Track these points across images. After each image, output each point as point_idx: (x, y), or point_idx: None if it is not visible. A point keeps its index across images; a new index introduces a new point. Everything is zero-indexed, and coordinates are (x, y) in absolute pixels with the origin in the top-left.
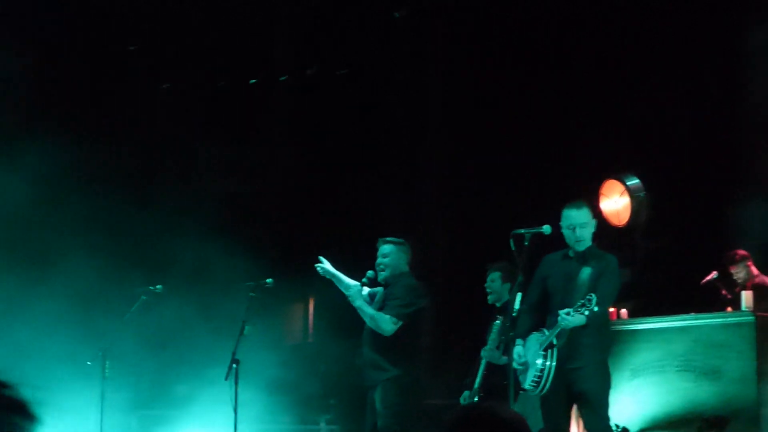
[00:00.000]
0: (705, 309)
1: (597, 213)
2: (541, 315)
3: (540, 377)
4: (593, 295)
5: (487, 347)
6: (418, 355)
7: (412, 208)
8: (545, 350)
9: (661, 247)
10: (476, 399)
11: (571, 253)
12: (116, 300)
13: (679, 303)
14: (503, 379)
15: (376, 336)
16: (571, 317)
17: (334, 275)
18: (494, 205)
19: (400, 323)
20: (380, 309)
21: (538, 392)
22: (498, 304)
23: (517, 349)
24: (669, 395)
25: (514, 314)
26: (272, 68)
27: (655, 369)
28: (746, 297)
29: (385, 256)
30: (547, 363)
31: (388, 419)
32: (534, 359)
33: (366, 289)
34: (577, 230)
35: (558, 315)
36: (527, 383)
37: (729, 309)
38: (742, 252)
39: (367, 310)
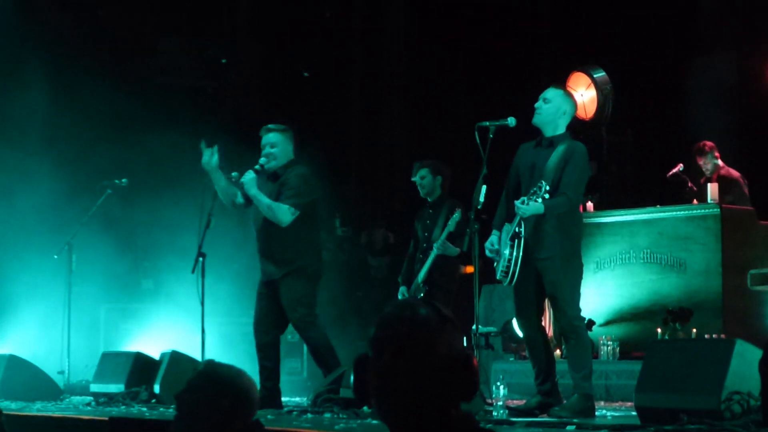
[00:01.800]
0: (670, 201)
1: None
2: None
3: (508, 267)
4: (543, 182)
5: (440, 240)
6: (318, 246)
7: (374, 101)
8: (512, 240)
9: (627, 140)
10: (422, 294)
11: (542, 141)
12: (82, 193)
13: (644, 196)
14: (447, 271)
15: (274, 230)
16: (525, 206)
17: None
18: (459, 97)
19: (298, 213)
20: (276, 199)
21: (508, 282)
22: (430, 199)
23: (491, 239)
24: (634, 287)
25: (478, 207)
26: None
27: (620, 261)
28: (711, 189)
29: (273, 145)
30: (514, 253)
31: (300, 309)
32: (504, 249)
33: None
34: (539, 101)
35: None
36: (498, 273)
37: (695, 201)
38: (710, 143)
39: (264, 200)
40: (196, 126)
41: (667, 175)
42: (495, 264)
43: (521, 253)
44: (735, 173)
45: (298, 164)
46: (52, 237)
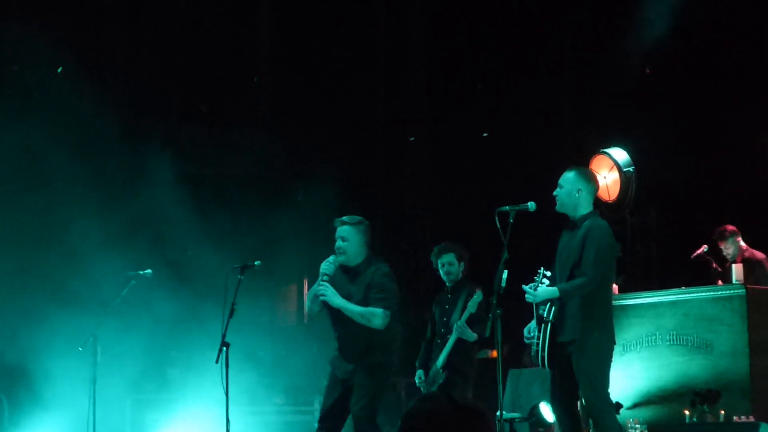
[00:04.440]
0: (695, 283)
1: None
2: None
3: (537, 352)
4: (542, 269)
5: (459, 323)
6: (395, 342)
7: (397, 187)
8: (538, 324)
9: (651, 221)
10: (441, 380)
11: (572, 224)
12: (106, 285)
13: (669, 277)
14: (466, 356)
15: (356, 329)
16: (534, 292)
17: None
18: (481, 182)
19: (390, 314)
20: (362, 299)
21: (541, 366)
22: (450, 283)
23: (531, 323)
24: (661, 370)
25: (500, 292)
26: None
27: (647, 344)
28: (736, 270)
29: (344, 239)
30: (541, 337)
31: (362, 402)
32: (534, 334)
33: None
34: (557, 189)
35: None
36: (533, 357)
37: (720, 282)
38: (731, 228)
39: (354, 309)
40: (226, 213)
41: (692, 256)
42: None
43: (548, 337)
44: (759, 255)
45: (379, 262)
46: (77, 329)
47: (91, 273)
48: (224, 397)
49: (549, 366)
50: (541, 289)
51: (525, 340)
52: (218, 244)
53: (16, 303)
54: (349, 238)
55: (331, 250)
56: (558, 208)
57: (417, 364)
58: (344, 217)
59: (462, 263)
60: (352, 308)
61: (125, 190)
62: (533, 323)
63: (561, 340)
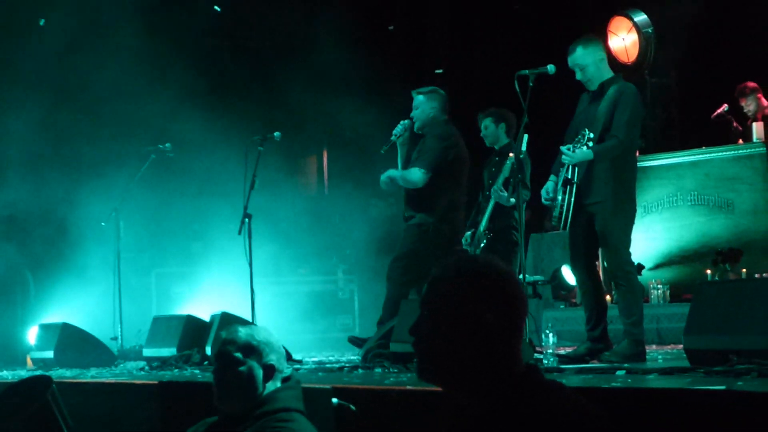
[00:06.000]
0: (716, 143)
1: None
2: None
3: (560, 213)
4: (585, 130)
5: (495, 187)
6: (450, 207)
7: (416, 53)
8: (563, 186)
9: (671, 82)
10: (484, 241)
11: (596, 89)
12: (126, 159)
13: (690, 138)
14: (508, 219)
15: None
16: (571, 153)
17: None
18: (499, 46)
19: (430, 174)
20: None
21: (561, 227)
22: (496, 147)
23: (547, 185)
24: (682, 230)
25: (521, 156)
26: None
27: (668, 204)
28: (757, 128)
29: (415, 107)
30: (566, 199)
31: (396, 263)
32: (558, 195)
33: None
34: (578, 73)
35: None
36: (554, 219)
37: (740, 141)
38: (752, 84)
39: (395, 175)
40: (243, 86)
41: (712, 116)
42: (553, 210)
43: (573, 199)
44: None
45: (440, 124)
46: (99, 204)
47: (110, 147)
48: (248, 268)
49: (571, 227)
50: (579, 150)
51: (543, 201)
52: (238, 117)
53: (43, 171)
54: (418, 106)
55: (350, 121)
56: (592, 87)
57: (467, 224)
58: (420, 88)
59: (502, 125)
60: (393, 175)
61: (148, 64)
62: (550, 184)
63: (587, 201)
